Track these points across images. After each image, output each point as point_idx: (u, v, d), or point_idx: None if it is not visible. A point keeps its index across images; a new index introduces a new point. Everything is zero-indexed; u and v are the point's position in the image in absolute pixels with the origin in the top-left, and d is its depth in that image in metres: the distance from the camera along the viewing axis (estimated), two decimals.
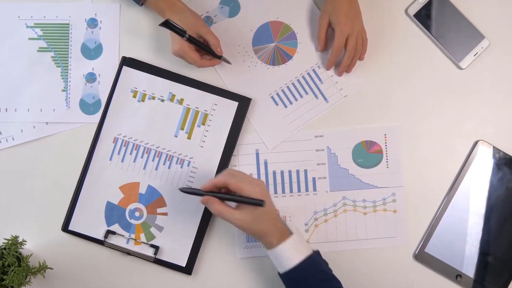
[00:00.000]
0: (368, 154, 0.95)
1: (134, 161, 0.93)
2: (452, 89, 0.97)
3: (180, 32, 0.87)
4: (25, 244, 0.84)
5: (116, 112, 0.94)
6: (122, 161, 0.93)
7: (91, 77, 0.95)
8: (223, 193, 0.82)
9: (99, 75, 0.95)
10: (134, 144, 0.93)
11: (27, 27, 0.95)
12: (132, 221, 0.92)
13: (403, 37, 0.98)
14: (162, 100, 0.94)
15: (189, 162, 0.93)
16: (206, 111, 0.94)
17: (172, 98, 0.94)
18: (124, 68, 0.94)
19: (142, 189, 0.92)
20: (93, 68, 0.95)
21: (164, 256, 0.91)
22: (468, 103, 0.96)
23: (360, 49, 0.94)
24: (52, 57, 0.95)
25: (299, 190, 0.94)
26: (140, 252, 0.91)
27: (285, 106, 0.95)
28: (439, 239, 0.92)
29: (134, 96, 0.94)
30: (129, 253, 0.91)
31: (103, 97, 0.94)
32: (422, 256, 0.92)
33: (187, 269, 0.91)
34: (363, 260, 0.93)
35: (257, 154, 0.94)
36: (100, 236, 0.91)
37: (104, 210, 0.92)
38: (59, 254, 0.91)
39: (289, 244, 0.80)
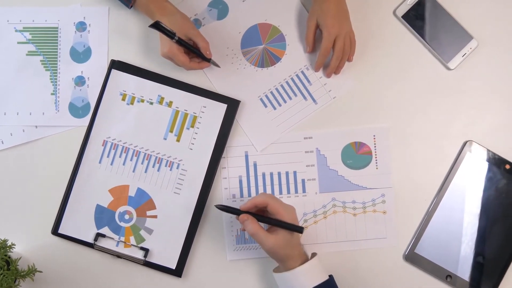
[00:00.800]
0: (357, 155, 0.95)
1: (124, 164, 0.93)
2: (440, 89, 0.97)
3: (169, 34, 0.87)
4: (14, 247, 0.84)
5: (105, 115, 0.94)
6: (112, 164, 0.93)
7: (80, 81, 0.95)
8: (262, 216, 0.83)
9: (88, 78, 0.95)
10: (123, 147, 0.93)
11: (16, 31, 0.96)
12: (122, 224, 0.92)
13: (391, 39, 0.98)
14: (151, 103, 0.94)
15: (178, 164, 0.93)
16: (195, 113, 0.94)
17: (161, 101, 0.94)
18: (113, 71, 0.94)
19: (132, 192, 0.93)
20: (82, 72, 0.95)
21: (154, 258, 0.91)
22: (457, 104, 0.96)
23: (348, 51, 0.94)
24: (41, 60, 0.95)
25: (288, 192, 0.94)
26: (130, 255, 0.91)
27: (274, 108, 0.96)
28: (429, 240, 0.92)
29: (123, 99, 0.94)
30: (119, 256, 0.91)
31: (92, 100, 0.95)
32: (412, 257, 0.92)
33: (177, 272, 0.91)
34: (353, 261, 0.93)
35: (247, 156, 0.94)
36: (89, 239, 0.91)
37: (93, 213, 0.92)
38: (48, 257, 0.91)
39: (309, 266, 0.81)
